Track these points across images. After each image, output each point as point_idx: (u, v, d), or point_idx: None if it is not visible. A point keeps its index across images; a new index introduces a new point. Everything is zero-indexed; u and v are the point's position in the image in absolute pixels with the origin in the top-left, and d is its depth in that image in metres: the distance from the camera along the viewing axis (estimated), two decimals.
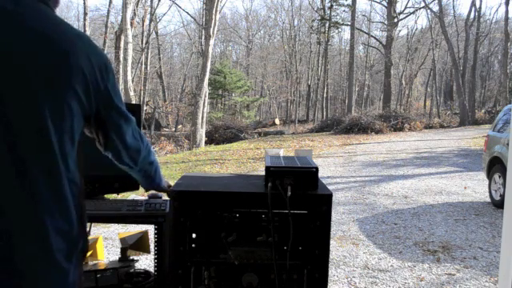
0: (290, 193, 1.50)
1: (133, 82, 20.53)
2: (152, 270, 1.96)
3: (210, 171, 10.56)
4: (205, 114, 18.59)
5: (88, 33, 25.05)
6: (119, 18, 23.51)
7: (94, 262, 2.02)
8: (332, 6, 28.85)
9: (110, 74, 1.17)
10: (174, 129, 30.79)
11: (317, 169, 1.59)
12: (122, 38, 17.43)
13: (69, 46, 1.05)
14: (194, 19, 31.89)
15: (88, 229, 2.18)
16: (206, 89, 18.41)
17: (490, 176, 6.69)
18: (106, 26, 25.67)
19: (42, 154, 1.00)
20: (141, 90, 26.20)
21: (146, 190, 1.81)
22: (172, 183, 1.71)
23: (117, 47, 19.05)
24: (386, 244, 4.79)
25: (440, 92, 37.17)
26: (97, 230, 4.89)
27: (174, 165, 11.89)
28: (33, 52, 1.00)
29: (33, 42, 1.01)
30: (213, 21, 16.85)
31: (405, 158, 11.93)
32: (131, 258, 2.04)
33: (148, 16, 27.38)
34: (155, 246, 1.82)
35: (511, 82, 24.32)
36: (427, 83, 39.44)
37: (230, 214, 1.54)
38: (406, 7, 33.43)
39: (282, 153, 1.91)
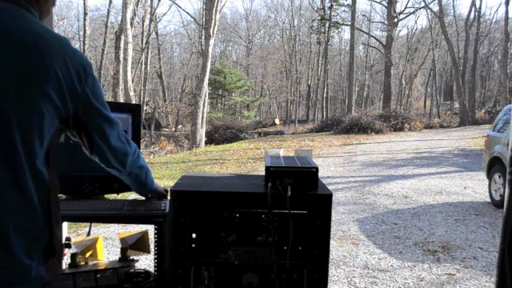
0: (290, 193, 1.50)
1: (133, 81, 20.53)
2: (152, 270, 1.96)
3: (210, 171, 10.56)
4: (205, 114, 18.59)
5: (88, 33, 25.08)
6: (119, 18, 23.54)
7: (94, 261, 2.02)
8: (332, 6, 28.86)
9: (89, 77, 1.19)
10: (174, 129, 30.82)
11: (317, 169, 1.59)
12: (122, 37, 17.43)
13: (44, 49, 1.07)
14: (194, 19, 31.92)
15: (88, 229, 2.19)
16: (206, 89, 18.41)
17: (490, 176, 6.70)
18: (106, 26, 25.69)
19: (3, 151, 1.01)
20: (141, 89, 26.22)
21: (142, 195, 1.81)
22: (172, 183, 1.71)
23: (117, 47, 19.06)
24: (386, 244, 4.79)
25: (440, 92, 37.19)
26: (97, 230, 4.90)
27: (174, 165, 11.89)
28: (6, 52, 1.03)
29: (7, 43, 1.03)
30: (213, 21, 16.85)
31: (405, 157, 11.94)
32: (131, 257, 2.03)
33: (148, 16, 27.40)
34: (155, 246, 1.82)
35: (511, 82, 24.32)
36: (427, 83, 39.46)
37: (230, 214, 1.54)
38: (406, 7, 33.54)
39: (282, 153, 1.91)
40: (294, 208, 1.52)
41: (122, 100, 16.74)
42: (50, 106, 1.07)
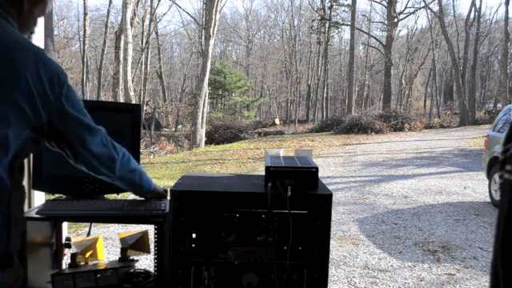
0: (290, 193, 1.50)
1: (133, 82, 20.53)
2: (152, 270, 1.96)
3: (210, 171, 10.56)
4: (205, 114, 18.59)
5: (88, 33, 25.07)
6: (119, 18, 23.54)
7: (94, 261, 2.02)
8: (332, 5, 28.85)
9: (64, 86, 1.19)
10: (174, 129, 30.79)
11: (317, 169, 1.59)
12: (122, 37, 17.44)
13: (18, 57, 1.08)
14: (194, 19, 31.93)
15: (88, 229, 2.19)
16: (206, 89, 18.40)
17: (489, 176, 6.70)
18: (106, 26, 25.68)
19: None
20: (141, 90, 26.20)
21: (141, 196, 1.81)
22: (172, 183, 1.71)
23: (117, 47, 19.06)
24: (386, 244, 4.79)
25: (440, 92, 37.18)
26: (97, 230, 4.90)
27: (174, 165, 11.89)
28: None
29: None
30: (213, 21, 16.86)
31: (405, 157, 11.94)
32: (131, 257, 2.04)
33: (148, 16, 27.40)
34: (155, 246, 1.82)
35: (511, 82, 24.32)
36: (427, 83, 39.44)
37: (230, 214, 1.54)
38: (406, 7, 33.52)
39: (282, 153, 1.91)
40: (294, 208, 1.52)
41: (122, 100, 16.75)
42: (17, 114, 1.08)
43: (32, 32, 1.28)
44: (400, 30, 41.83)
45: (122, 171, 1.46)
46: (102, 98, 24.83)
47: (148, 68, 29.37)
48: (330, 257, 2.87)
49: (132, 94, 17.20)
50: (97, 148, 1.33)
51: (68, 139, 1.26)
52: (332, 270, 3.95)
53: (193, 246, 1.55)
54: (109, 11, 25.82)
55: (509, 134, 1.16)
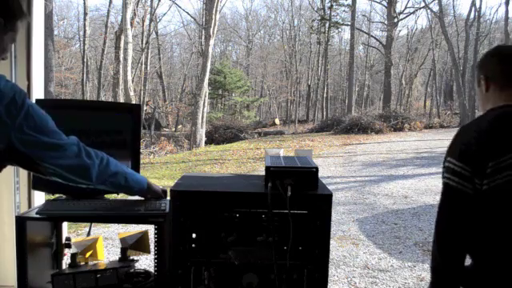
0: (290, 193, 1.50)
1: (133, 82, 20.52)
2: (152, 270, 1.96)
3: (210, 171, 10.56)
4: (205, 114, 18.59)
5: (88, 33, 25.08)
6: (119, 17, 23.54)
7: (94, 261, 2.02)
8: (332, 5, 28.84)
9: (23, 107, 1.20)
10: (174, 129, 30.78)
11: (317, 169, 1.59)
12: (122, 37, 17.43)
13: None
14: (194, 19, 31.91)
15: (88, 229, 2.19)
16: (206, 89, 18.41)
17: None
18: (106, 26, 25.68)
19: None
20: (141, 90, 26.19)
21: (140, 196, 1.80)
22: (172, 183, 1.71)
23: (117, 47, 19.05)
24: (386, 244, 4.79)
25: (440, 92, 37.18)
26: (97, 230, 4.89)
27: (174, 165, 11.89)
28: None
29: None
30: (213, 21, 16.85)
31: (405, 157, 11.93)
32: (131, 258, 2.04)
33: (148, 16, 27.39)
34: (155, 246, 1.82)
35: None
36: (427, 83, 39.44)
37: (230, 214, 1.54)
38: (406, 7, 33.51)
39: (282, 153, 1.91)
40: (294, 208, 1.52)
41: (122, 100, 16.75)
42: None
43: (3, 58, 1.27)
44: (400, 30, 41.78)
45: (100, 177, 1.45)
46: (102, 98, 24.83)
47: (148, 68, 29.36)
48: (330, 257, 2.87)
49: (132, 93, 17.20)
50: (66, 161, 1.32)
51: (32, 159, 1.26)
52: (332, 270, 3.95)
53: (193, 246, 1.55)
54: (109, 11, 25.83)
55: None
